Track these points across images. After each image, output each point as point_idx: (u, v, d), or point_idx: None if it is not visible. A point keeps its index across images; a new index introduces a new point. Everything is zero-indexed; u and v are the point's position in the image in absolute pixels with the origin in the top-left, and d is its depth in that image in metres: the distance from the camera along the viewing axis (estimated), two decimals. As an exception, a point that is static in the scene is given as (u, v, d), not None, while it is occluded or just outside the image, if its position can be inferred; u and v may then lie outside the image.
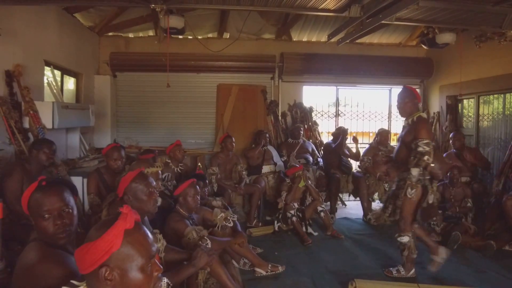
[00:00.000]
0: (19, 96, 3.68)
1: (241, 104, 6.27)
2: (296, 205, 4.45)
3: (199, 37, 6.18)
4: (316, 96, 6.85)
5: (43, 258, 1.42)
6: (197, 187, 3.00)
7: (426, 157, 2.94)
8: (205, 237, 2.68)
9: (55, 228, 1.51)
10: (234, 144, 5.08)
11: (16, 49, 3.74)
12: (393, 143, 5.95)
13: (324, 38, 6.03)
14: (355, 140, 5.60)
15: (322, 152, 5.92)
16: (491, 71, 5.17)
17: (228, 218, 3.16)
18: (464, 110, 6.14)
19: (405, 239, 3.16)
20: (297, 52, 6.27)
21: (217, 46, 5.99)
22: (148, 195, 2.15)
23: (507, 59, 4.85)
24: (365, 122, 6.83)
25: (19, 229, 2.66)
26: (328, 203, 5.29)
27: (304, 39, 6.51)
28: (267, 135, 5.77)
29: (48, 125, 3.86)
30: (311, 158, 5.64)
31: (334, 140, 5.55)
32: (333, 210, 5.23)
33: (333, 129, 6.24)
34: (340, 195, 5.70)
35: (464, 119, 6.09)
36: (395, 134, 6.67)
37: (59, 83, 4.84)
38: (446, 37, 4.95)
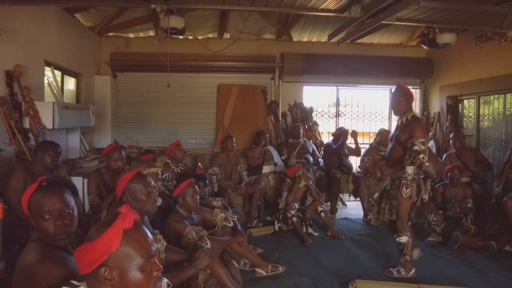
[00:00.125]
0: (20, 96, 3.68)
1: (242, 104, 6.26)
2: (296, 205, 4.45)
3: (200, 37, 6.18)
4: (317, 96, 6.86)
5: (43, 259, 1.42)
6: (196, 187, 2.98)
7: (421, 156, 2.95)
8: (205, 237, 2.67)
9: (55, 229, 1.51)
10: (234, 145, 5.08)
11: (17, 49, 3.74)
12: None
13: (324, 38, 6.02)
14: (354, 134, 5.49)
15: (322, 153, 5.92)
16: (491, 71, 5.16)
17: (228, 218, 3.15)
18: (464, 111, 6.13)
19: (403, 239, 3.16)
20: (298, 52, 6.27)
21: (218, 46, 5.99)
22: (147, 195, 2.15)
23: (508, 59, 4.85)
24: (366, 122, 6.82)
25: (19, 229, 2.66)
26: (329, 203, 5.28)
27: (305, 39, 6.51)
28: (267, 135, 5.77)
29: (49, 125, 3.86)
30: (311, 159, 5.63)
31: (335, 141, 5.52)
32: (333, 210, 5.22)
33: (333, 130, 6.22)
34: (341, 195, 5.69)
35: (465, 119, 6.09)
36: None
37: (60, 83, 4.84)
38: (447, 37, 4.94)
